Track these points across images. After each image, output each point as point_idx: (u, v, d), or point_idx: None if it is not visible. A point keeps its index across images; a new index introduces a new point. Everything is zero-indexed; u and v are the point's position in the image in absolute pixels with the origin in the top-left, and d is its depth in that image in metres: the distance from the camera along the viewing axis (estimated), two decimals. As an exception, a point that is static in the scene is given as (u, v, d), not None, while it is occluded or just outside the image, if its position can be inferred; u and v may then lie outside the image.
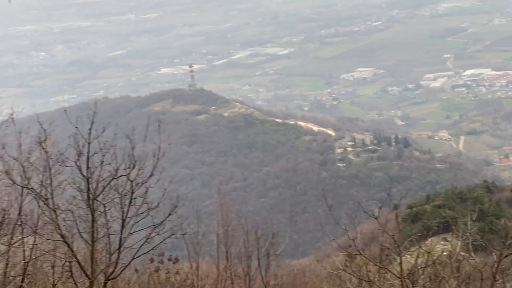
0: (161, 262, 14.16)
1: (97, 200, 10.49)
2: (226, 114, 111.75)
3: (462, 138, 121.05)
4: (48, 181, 10.74)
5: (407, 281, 9.98)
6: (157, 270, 13.82)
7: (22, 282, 12.12)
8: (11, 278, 12.20)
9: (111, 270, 10.64)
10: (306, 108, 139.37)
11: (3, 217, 11.87)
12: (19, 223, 12.17)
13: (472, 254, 11.27)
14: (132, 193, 10.51)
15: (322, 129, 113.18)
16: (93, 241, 10.55)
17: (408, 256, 11.30)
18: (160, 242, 11.71)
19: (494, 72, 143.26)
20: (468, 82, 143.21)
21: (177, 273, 13.98)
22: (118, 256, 10.74)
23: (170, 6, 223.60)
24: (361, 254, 11.07)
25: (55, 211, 10.63)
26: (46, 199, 10.71)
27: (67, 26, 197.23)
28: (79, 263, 10.74)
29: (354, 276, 11.93)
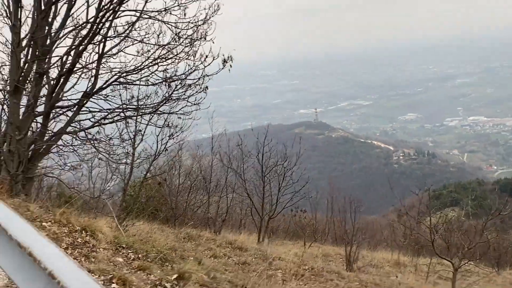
0: (297, 212, 20.38)
1: (266, 176, 17.20)
2: (333, 135, 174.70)
3: (466, 154, 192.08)
4: (241, 165, 17.74)
5: (433, 229, 15.82)
6: (294, 215, 20.28)
7: (225, 217, 18.04)
8: (220, 215, 18.00)
9: (271, 214, 17.42)
10: (377, 134, 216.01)
11: (216, 183, 18.40)
12: (224, 186, 18.31)
13: (470, 218, 17.55)
14: (284, 174, 17.18)
15: (386, 146, 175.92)
16: (263, 198, 17.20)
17: (433, 218, 17.26)
18: (297, 201, 18.45)
19: (485, 118, 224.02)
20: (471, 124, 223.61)
21: (305, 218, 20.58)
22: (276, 206, 17.44)
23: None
24: (407, 213, 17.69)
25: (244, 181, 17.67)
26: (240, 174, 17.73)
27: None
28: (256, 209, 17.41)
29: (402, 225, 18.57)
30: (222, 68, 11.10)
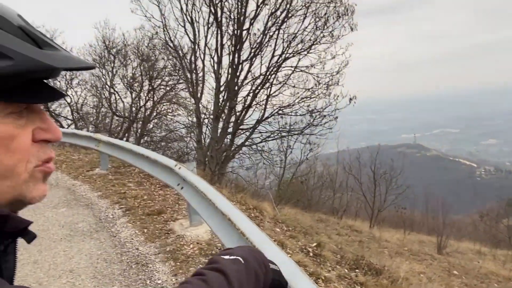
0: (399, 208, 18.27)
1: (377, 181, 16.70)
2: (428, 154, 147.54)
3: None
4: (359, 172, 17.35)
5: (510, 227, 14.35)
6: (397, 211, 18.23)
7: (345, 208, 18.19)
8: (342, 206, 18.48)
9: (380, 208, 16.77)
10: (463, 154, 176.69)
11: (340, 184, 18.21)
12: (346, 186, 18.38)
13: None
14: (391, 180, 16.62)
15: (470, 163, 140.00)
16: (374, 196, 16.73)
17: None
18: (400, 200, 17.43)
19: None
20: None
21: (405, 213, 18.67)
22: (384, 203, 16.76)
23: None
24: (488, 214, 15.73)
25: (360, 184, 17.26)
26: (357, 178, 17.35)
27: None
28: (368, 203, 16.92)
29: (483, 223, 16.49)
30: (348, 104, 11.00)
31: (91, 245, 4.50)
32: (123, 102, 16.57)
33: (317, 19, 10.48)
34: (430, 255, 11.59)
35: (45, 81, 0.67)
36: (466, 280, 9.20)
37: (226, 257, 0.79)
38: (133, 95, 16.15)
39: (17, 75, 0.58)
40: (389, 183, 17.20)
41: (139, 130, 16.45)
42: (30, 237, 0.65)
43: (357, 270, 5.09)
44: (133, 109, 16.32)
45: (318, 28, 10.55)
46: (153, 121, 16.86)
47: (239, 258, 0.79)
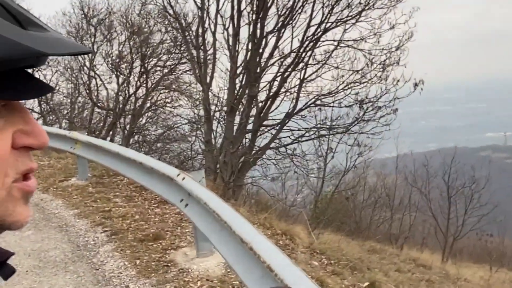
0: (482, 235, 18.52)
1: (452, 197, 16.36)
2: None
3: None
4: (427, 185, 17.11)
5: None
6: (479, 239, 18.18)
7: (408, 234, 17.92)
8: (402, 232, 18.14)
9: (456, 235, 16.46)
10: None
11: (400, 200, 17.81)
12: (408, 204, 18.07)
13: None
14: (472, 196, 16.24)
15: None
16: (448, 218, 16.47)
17: None
18: (484, 224, 16.95)
19: None
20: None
21: (491, 242, 18.81)
22: (461, 228, 16.45)
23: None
24: None
25: (429, 201, 16.98)
26: (425, 193, 17.11)
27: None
28: (440, 228, 16.67)
29: None
30: (413, 91, 10.86)
31: (67, 280, 4.59)
32: (106, 89, 16.85)
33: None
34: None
35: (28, 71, 0.68)
36: None
37: None
38: (120, 80, 16.40)
39: None
40: (469, 200, 16.77)
41: (128, 126, 16.68)
42: (8, 271, 0.68)
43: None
44: (120, 98, 16.59)
45: (370, -12, 10.49)
46: (146, 114, 17.09)
47: None
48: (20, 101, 0.68)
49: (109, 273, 4.73)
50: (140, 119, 16.89)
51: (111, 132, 16.58)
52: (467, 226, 16.93)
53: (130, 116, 16.65)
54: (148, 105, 16.80)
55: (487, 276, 14.13)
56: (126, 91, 16.50)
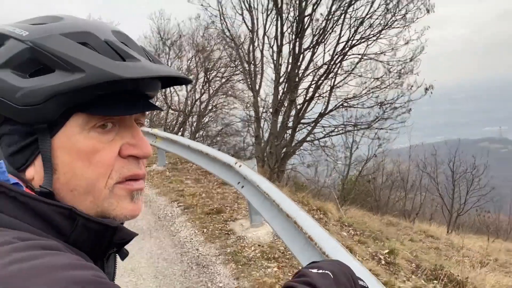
0: (481, 212, 17.70)
1: (456, 181, 15.86)
2: None
3: None
4: (435, 170, 16.58)
5: None
6: (479, 215, 16.91)
7: (419, 210, 17.49)
8: (414, 209, 17.76)
9: (460, 211, 15.94)
10: None
11: (412, 183, 17.40)
12: (419, 186, 17.51)
13: None
14: (472, 180, 15.69)
15: None
16: (453, 198, 15.89)
17: None
18: (483, 203, 16.33)
19: None
20: None
21: (489, 217, 17.71)
22: (464, 206, 15.85)
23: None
24: None
25: (437, 183, 16.42)
26: (433, 177, 16.61)
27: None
28: (446, 206, 16.18)
29: None
30: (424, 95, 10.56)
31: (151, 243, 4.72)
32: (178, 95, 17.14)
33: (388, 1, 10.13)
34: (521, 267, 10.78)
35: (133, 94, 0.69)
36: None
37: (315, 270, 0.80)
38: (188, 88, 16.65)
39: (90, 87, 0.62)
40: (470, 183, 16.20)
41: (195, 124, 16.95)
42: (126, 252, 0.72)
43: (435, 281, 4.90)
44: (188, 102, 16.84)
45: (389, 11, 10.20)
46: (208, 114, 17.30)
47: (328, 272, 0.79)
48: (131, 119, 0.68)
49: (183, 238, 4.82)
50: (204, 118, 17.12)
51: (181, 129, 16.88)
52: (468, 205, 16.37)
53: (196, 116, 16.92)
54: (210, 107, 17.02)
55: (485, 245, 13.58)
56: (193, 97, 16.74)
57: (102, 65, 0.62)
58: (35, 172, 0.65)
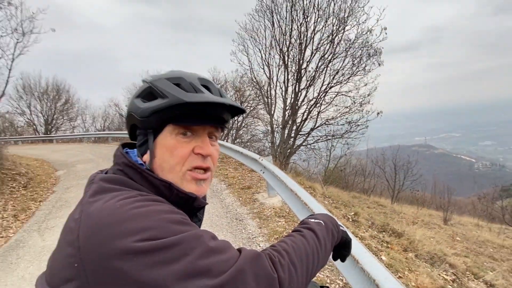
0: (413, 190, 17.47)
1: (397, 171, 15.19)
2: (436, 152, 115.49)
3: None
4: (383, 164, 15.94)
5: (504, 207, 12.05)
6: (411, 192, 17.32)
7: (373, 189, 17.08)
8: (370, 187, 17.30)
9: (399, 191, 15.34)
10: (464, 152, 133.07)
11: (368, 172, 17.15)
12: (373, 174, 17.18)
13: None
14: (407, 170, 14.96)
15: (470, 159, 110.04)
16: (394, 182, 15.26)
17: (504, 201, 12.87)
18: (413, 185, 15.70)
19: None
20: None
21: (418, 194, 17.40)
22: (401, 186, 15.22)
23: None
24: (485, 197, 13.38)
25: (385, 172, 15.85)
26: (383, 169, 16.03)
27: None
28: (390, 186, 15.56)
29: (481, 203, 14.14)
30: (376, 117, 10.29)
31: (208, 206, 4.72)
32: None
33: (354, 59, 9.98)
34: (438, 225, 10.27)
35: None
36: (467, 244, 8.03)
37: (312, 220, 0.79)
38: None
39: (170, 107, 0.63)
40: (406, 172, 15.68)
41: (234, 134, 16.98)
42: (202, 216, 0.73)
43: (384, 233, 4.75)
44: (231, 122, 16.82)
45: (354, 65, 10.05)
46: (242, 128, 17.33)
47: (321, 221, 0.79)
48: (204, 132, 0.67)
49: (227, 204, 4.79)
50: (240, 131, 17.15)
51: (225, 138, 16.96)
52: (405, 186, 15.80)
53: (235, 130, 16.96)
54: (243, 124, 17.04)
55: (416, 211, 13.06)
56: (235, 118, 16.78)
57: (177, 94, 0.63)
58: (147, 157, 0.68)
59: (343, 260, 0.87)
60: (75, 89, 28.57)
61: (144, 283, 0.49)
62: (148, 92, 0.67)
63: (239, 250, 0.59)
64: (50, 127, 18.91)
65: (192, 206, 0.67)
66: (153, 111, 0.64)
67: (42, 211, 4.76)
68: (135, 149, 0.70)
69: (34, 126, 18.93)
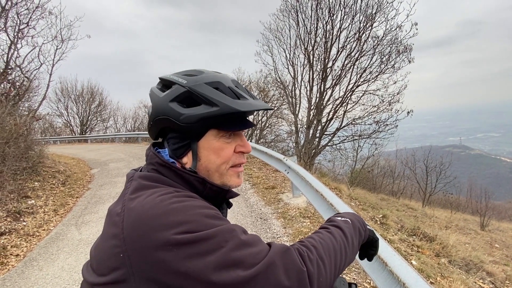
0: (447, 193, 16.35)
1: (429, 172, 14.36)
2: (472, 153, 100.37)
3: None
4: (413, 166, 15.18)
5: None
6: (445, 195, 15.90)
7: (403, 191, 16.21)
8: (400, 190, 16.51)
9: (432, 192, 14.44)
10: (504, 153, 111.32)
11: (398, 173, 16.37)
12: (403, 176, 16.41)
13: None
14: (440, 172, 14.12)
15: (510, 160, 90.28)
16: (426, 183, 14.41)
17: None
18: (448, 188, 14.76)
19: None
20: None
21: (452, 197, 16.20)
22: (434, 189, 14.34)
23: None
24: None
25: (415, 174, 15.05)
26: (413, 170, 15.27)
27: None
28: (421, 188, 14.75)
29: None
30: (407, 116, 9.81)
31: (233, 206, 4.77)
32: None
33: (383, 57, 9.59)
34: (474, 231, 9.65)
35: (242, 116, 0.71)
36: (507, 252, 7.42)
37: (339, 218, 0.79)
38: (255, 113, 16.69)
39: (221, 115, 0.66)
40: (439, 174, 14.83)
41: (258, 134, 17.06)
42: (230, 205, 0.76)
43: (414, 236, 4.53)
44: (255, 122, 16.96)
45: (383, 63, 9.64)
46: (266, 128, 17.35)
47: (348, 219, 0.78)
48: (241, 131, 0.71)
49: (252, 203, 4.79)
50: (264, 131, 17.18)
51: (250, 138, 17.08)
52: (437, 189, 14.99)
53: (258, 130, 17.02)
54: (267, 125, 17.04)
55: (449, 215, 12.29)
56: (257, 118, 16.86)
57: (228, 102, 0.66)
58: (187, 160, 0.70)
59: (370, 259, 0.86)
60: (107, 91, 30.15)
61: (183, 273, 0.52)
62: (187, 97, 0.68)
63: (269, 244, 0.61)
64: (85, 127, 20.04)
65: (225, 198, 0.71)
66: (201, 118, 0.66)
67: (79, 206, 4.95)
68: (166, 149, 0.73)
69: (71, 127, 20.27)
